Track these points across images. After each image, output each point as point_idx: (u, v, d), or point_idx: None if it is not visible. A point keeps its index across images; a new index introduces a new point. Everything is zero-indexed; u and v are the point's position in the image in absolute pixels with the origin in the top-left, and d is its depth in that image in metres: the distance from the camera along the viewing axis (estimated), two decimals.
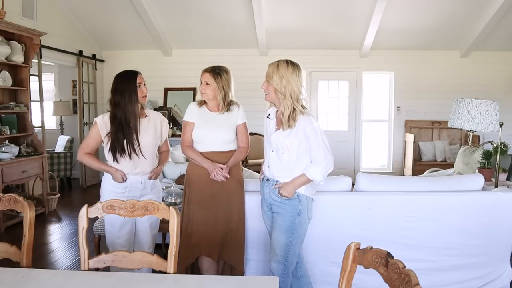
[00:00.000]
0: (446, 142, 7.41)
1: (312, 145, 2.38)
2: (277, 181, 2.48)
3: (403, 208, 2.91)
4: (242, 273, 2.81)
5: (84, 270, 1.83)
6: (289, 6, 6.47)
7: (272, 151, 2.49)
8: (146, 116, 2.72)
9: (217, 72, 2.70)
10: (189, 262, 2.77)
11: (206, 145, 2.73)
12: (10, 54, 5.06)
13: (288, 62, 2.40)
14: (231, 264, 2.81)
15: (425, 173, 5.43)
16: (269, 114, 2.57)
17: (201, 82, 2.74)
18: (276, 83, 2.36)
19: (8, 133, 5.06)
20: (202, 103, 2.79)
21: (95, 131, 2.64)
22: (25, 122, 5.37)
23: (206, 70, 2.73)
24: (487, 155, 4.07)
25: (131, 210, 1.88)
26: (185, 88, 7.80)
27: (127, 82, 2.61)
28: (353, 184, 3.06)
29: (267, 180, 2.55)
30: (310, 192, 2.49)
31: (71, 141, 7.05)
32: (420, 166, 6.97)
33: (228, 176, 2.67)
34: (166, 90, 7.87)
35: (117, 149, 2.59)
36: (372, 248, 1.41)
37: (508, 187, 3.77)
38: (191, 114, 2.78)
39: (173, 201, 3.47)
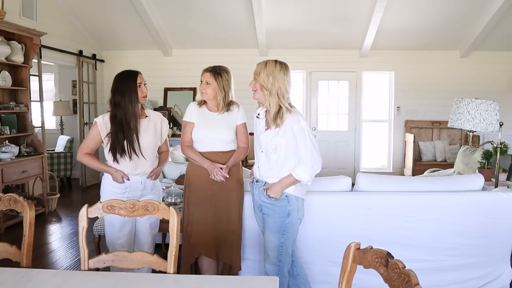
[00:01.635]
0: (446, 142, 7.41)
1: (299, 144, 2.37)
2: (265, 182, 2.48)
3: (403, 208, 2.90)
4: (238, 269, 2.80)
5: (84, 270, 1.83)
6: (289, 6, 6.47)
7: (262, 151, 2.49)
8: (146, 116, 2.72)
9: (217, 71, 2.70)
10: (189, 262, 2.77)
11: (206, 145, 2.72)
12: (10, 54, 5.06)
13: (276, 61, 2.42)
14: (228, 263, 2.81)
15: (425, 173, 5.43)
16: (258, 114, 2.57)
17: (201, 81, 2.73)
18: (263, 79, 2.37)
19: (8, 133, 5.06)
20: (202, 103, 2.79)
21: (95, 131, 2.64)
22: (25, 122, 5.37)
23: (206, 70, 2.73)
24: (487, 155, 4.07)
25: (131, 210, 1.88)
26: (185, 88, 7.80)
27: (127, 82, 2.60)
28: (353, 184, 3.06)
29: (257, 181, 2.55)
30: (299, 192, 2.47)
31: (71, 141, 7.06)
32: (420, 166, 6.98)
33: (228, 176, 2.67)
34: (166, 90, 7.87)
35: (117, 149, 2.58)
36: (372, 248, 1.41)
37: (508, 187, 3.77)
38: (191, 114, 2.78)
39: (173, 201, 3.47)
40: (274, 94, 2.36)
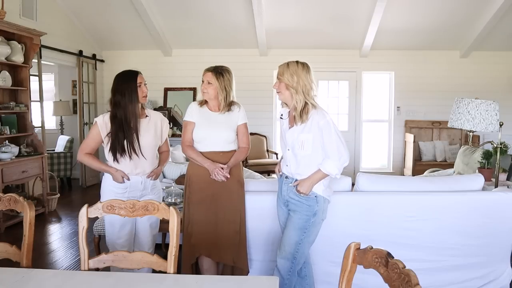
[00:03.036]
0: (446, 142, 7.41)
1: (325, 139, 2.41)
2: (295, 179, 2.50)
3: (403, 208, 2.91)
4: (247, 273, 2.80)
5: (84, 270, 1.83)
6: (289, 6, 6.47)
7: (288, 149, 2.52)
8: (146, 116, 2.72)
9: (219, 71, 2.70)
10: (190, 262, 2.77)
11: (207, 145, 2.72)
12: (10, 54, 5.06)
13: (298, 62, 2.47)
14: (230, 265, 2.80)
15: (425, 173, 5.43)
16: (281, 115, 2.61)
17: (202, 81, 2.73)
18: (288, 79, 2.42)
19: (8, 133, 5.06)
20: (203, 102, 2.79)
21: (95, 131, 2.64)
22: (25, 122, 5.37)
23: (208, 70, 2.73)
24: (487, 155, 4.07)
25: (131, 210, 1.88)
26: (185, 88, 7.80)
27: (127, 82, 2.60)
28: (353, 184, 3.06)
29: (286, 177, 2.57)
30: (327, 193, 2.51)
31: (71, 141, 7.05)
32: (420, 166, 6.97)
33: (229, 176, 2.67)
34: (166, 90, 7.87)
35: (117, 149, 2.59)
36: (372, 248, 1.41)
37: (508, 187, 3.76)
38: (192, 113, 2.78)
39: (173, 201, 3.47)
40: (300, 92, 2.41)
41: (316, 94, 2.48)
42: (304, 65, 2.46)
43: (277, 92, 2.51)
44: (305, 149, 2.44)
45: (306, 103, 2.41)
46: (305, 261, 2.61)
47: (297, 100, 2.42)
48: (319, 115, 2.41)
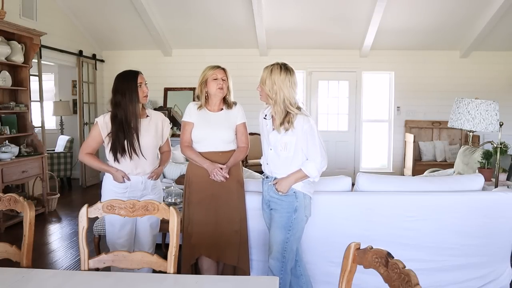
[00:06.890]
0: (446, 142, 7.41)
1: (309, 143, 2.46)
2: (274, 178, 2.53)
3: (403, 208, 2.91)
4: (248, 274, 2.79)
5: (84, 270, 1.83)
6: (289, 6, 6.47)
7: (271, 149, 2.55)
8: (147, 116, 2.72)
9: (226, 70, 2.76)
10: (190, 262, 2.76)
11: (206, 145, 2.72)
12: (10, 54, 5.06)
13: (282, 68, 2.45)
14: (237, 266, 2.78)
15: (425, 173, 5.43)
16: (265, 115, 2.62)
17: (215, 78, 2.68)
18: (268, 88, 2.45)
19: (8, 133, 5.06)
20: (201, 106, 2.78)
21: (96, 131, 2.64)
22: (25, 122, 5.37)
23: (218, 67, 2.72)
24: (487, 155, 4.07)
25: (131, 210, 1.88)
26: (185, 88, 7.80)
27: (127, 82, 2.60)
28: (353, 184, 3.06)
29: (266, 177, 2.61)
30: (307, 189, 2.53)
31: (71, 141, 7.06)
32: (420, 166, 6.98)
33: (228, 176, 2.67)
34: (166, 90, 7.87)
35: (117, 149, 2.59)
36: (372, 248, 1.41)
37: (508, 187, 3.76)
38: (190, 114, 2.77)
39: (173, 201, 3.47)
40: (279, 103, 2.43)
41: (298, 98, 2.50)
42: (288, 72, 2.44)
43: (260, 95, 2.54)
44: (287, 150, 2.48)
45: (288, 112, 2.43)
46: (297, 259, 2.63)
47: (276, 111, 2.45)
48: (304, 120, 2.44)
